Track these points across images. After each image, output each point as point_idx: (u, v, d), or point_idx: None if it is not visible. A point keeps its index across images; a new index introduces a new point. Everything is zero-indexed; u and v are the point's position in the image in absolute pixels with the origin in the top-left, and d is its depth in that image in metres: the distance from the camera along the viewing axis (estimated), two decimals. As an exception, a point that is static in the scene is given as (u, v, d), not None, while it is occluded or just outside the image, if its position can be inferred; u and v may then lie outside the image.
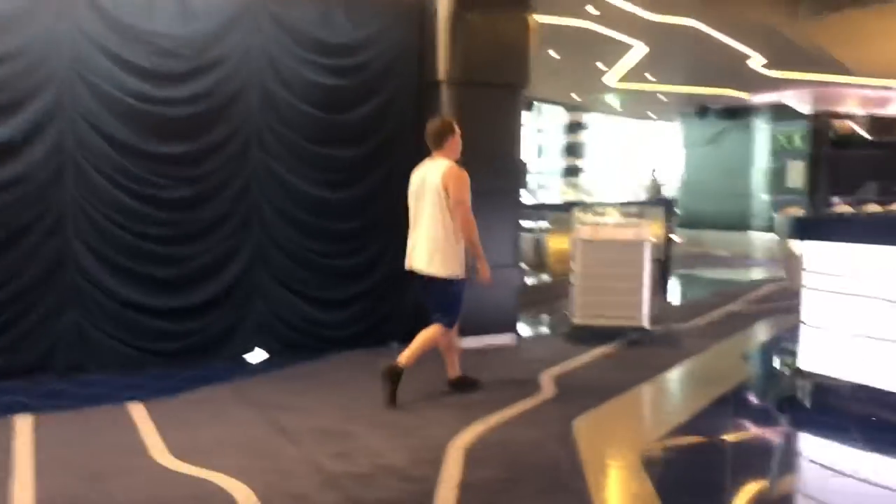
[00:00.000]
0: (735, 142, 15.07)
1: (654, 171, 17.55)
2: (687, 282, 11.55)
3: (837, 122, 13.53)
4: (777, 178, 13.99)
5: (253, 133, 6.05)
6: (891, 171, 14.68)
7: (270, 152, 6.11)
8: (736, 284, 11.44)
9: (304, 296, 6.28)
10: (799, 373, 5.25)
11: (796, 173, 13.58)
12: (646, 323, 6.88)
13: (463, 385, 5.25)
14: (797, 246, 5.87)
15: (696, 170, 15.91)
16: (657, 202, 11.70)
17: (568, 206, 11.88)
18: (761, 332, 7.53)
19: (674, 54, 10.24)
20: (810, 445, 4.63)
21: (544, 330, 8.07)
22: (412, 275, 5.13)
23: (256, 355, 6.20)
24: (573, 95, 15.02)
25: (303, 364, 5.98)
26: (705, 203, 15.29)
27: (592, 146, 33.00)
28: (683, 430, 4.55)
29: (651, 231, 6.98)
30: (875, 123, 13.76)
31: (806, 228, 5.06)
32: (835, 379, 5.01)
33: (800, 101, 13.59)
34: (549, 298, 9.54)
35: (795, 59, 10.19)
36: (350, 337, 6.41)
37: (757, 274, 12.68)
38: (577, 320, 6.90)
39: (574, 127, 30.80)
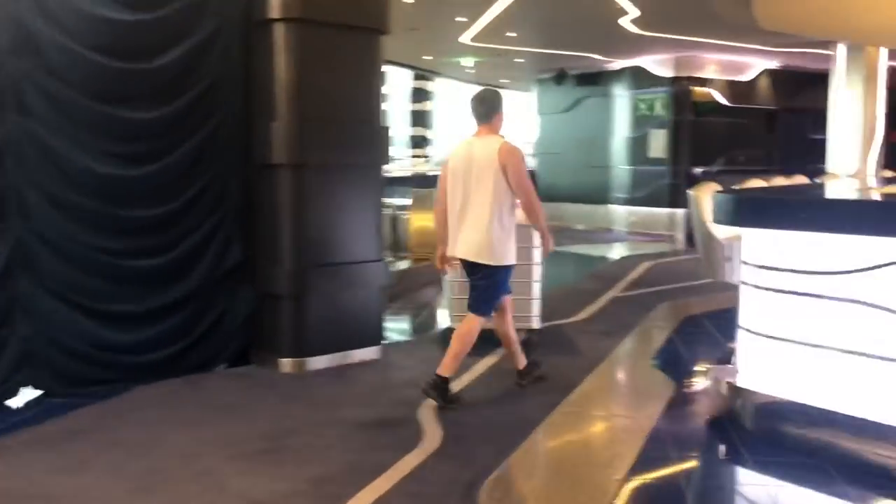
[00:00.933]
0: (594, 110, 14.31)
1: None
2: (555, 261, 10.65)
3: (697, 89, 12.98)
4: (639, 147, 13.31)
5: (6, 87, 4.26)
6: (750, 138, 14.53)
7: (33, 114, 4.35)
8: (606, 262, 10.69)
9: (89, 310, 4.57)
10: (736, 391, 4.22)
11: (658, 143, 12.98)
12: (536, 323, 5.70)
13: (532, 372, 4.73)
14: (720, 230, 4.84)
15: (553, 140, 15.00)
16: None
17: (429, 180, 10.64)
18: (658, 328, 6.57)
19: (542, 5, 9.10)
20: (756, 487, 3.55)
21: (414, 333, 6.72)
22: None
23: (21, 397, 4.46)
24: (425, 57, 13.64)
25: (89, 407, 4.32)
26: (562, 175, 14.48)
27: (441, 115, 32.12)
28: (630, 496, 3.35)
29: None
30: (733, 89, 13.37)
31: (754, 212, 3.98)
32: (785, 399, 4.00)
33: (661, 67, 12.96)
34: (413, 288, 8.22)
35: (673, 15, 9.36)
36: (158, 363, 4.77)
37: (622, 250, 12.07)
38: (454, 322, 5.61)
39: (420, 94, 29.65)
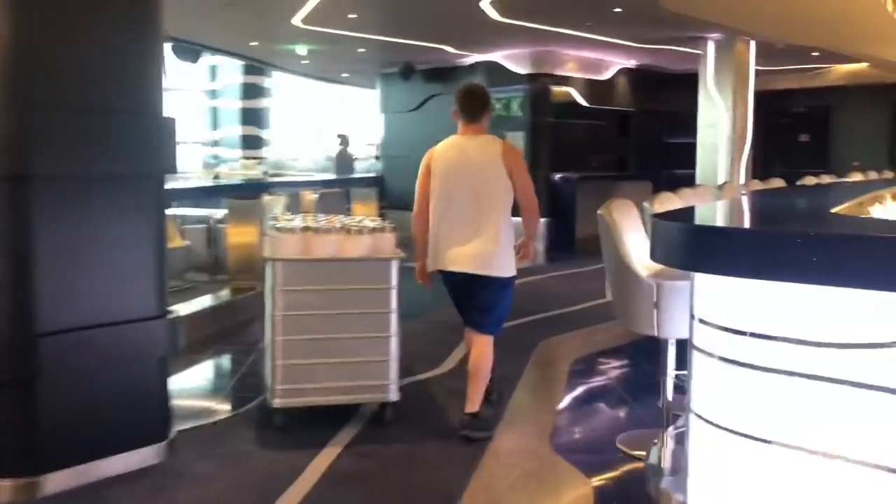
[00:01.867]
0: (445, 109, 12.91)
1: (341, 139, 14.92)
2: (407, 283, 9.27)
3: (555, 88, 11.93)
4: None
5: None
6: (609, 142, 13.73)
7: None
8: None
9: None
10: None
11: (516, 146, 11.77)
12: (393, 393, 4.15)
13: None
14: (642, 264, 3.49)
15: (400, 142, 13.45)
16: (369, 181, 9.11)
17: (256, 188, 8.84)
18: (545, 382, 5.22)
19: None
20: None
21: (221, 411, 4.73)
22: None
23: None
24: (252, 43, 11.76)
25: None
26: (411, 180, 12.94)
27: (278, 114, 29.87)
28: None
29: (392, 240, 4.24)
30: (591, 89, 12.44)
31: (734, 252, 2.60)
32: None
33: (518, 63, 11.80)
34: (230, 329, 6.44)
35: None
36: None
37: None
38: (278, 401, 3.96)
39: (254, 90, 27.35)
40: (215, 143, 28.31)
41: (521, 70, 11.86)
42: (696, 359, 2.71)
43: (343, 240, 4.01)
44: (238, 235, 7.38)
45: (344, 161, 13.14)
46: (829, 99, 14.40)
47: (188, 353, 5.46)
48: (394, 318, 4.05)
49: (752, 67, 10.18)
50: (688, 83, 11.10)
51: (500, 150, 4.00)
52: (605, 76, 12.77)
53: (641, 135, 13.92)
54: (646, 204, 4.18)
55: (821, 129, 14.81)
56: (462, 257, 3.92)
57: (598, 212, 3.80)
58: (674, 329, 3.34)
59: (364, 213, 9.21)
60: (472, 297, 3.99)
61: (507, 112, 12.01)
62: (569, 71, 12.18)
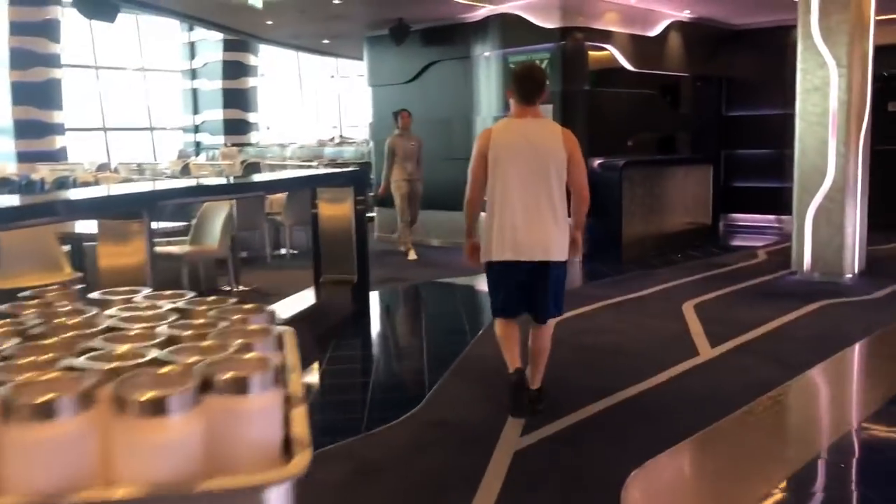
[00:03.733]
0: (449, 80, 10.20)
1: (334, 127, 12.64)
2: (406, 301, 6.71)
3: (591, 48, 9.13)
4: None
5: None
6: (656, 116, 10.96)
7: None
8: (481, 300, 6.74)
9: None
10: None
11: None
12: None
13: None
14: None
15: (392, 122, 10.63)
16: (347, 177, 6.39)
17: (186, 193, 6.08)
18: None
19: None
20: None
21: None
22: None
23: None
24: None
25: None
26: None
27: (267, 95, 26.97)
28: None
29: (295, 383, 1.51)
30: (637, 48, 9.61)
31: None
32: None
33: (542, 14, 8.98)
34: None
35: None
36: None
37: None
38: None
39: (237, 68, 24.47)
40: (196, 129, 25.59)
41: (548, 24, 9.05)
42: None
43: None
44: (109, 256, 4.65)
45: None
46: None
47: None
48: None
49: (873, 12, 7.36)
50: (755, 41, 8.39)
51: (561, 135, 3.96)
52: (653, 32, 9.95)
53: (696, 106, 11.10)
54: None
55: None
56: (530, 245, 3.90)
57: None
58: None
59: (337, 212, 6.52)
60: (537, 286, 3.98)
61: (530, 80, 9.19)
62: (608, 24, 9.36)
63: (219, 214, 7.08)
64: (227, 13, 10.28)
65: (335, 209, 6.62)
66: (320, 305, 6.34)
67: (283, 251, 9.73)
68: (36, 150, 18.92)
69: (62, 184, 12.98)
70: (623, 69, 9.61)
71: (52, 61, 19.27)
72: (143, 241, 4.30)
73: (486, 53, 9.71)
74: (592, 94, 9.22)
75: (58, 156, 19.26)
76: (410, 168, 9.17)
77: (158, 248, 6.96)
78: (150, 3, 9.74)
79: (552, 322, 4.10)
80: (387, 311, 7.39)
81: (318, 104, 28.81)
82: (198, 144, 24.44)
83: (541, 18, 9.03)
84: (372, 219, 11.66)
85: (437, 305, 7.44)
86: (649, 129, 10.15)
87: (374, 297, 7.25)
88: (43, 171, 15.96)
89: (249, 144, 23.16)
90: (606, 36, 9.31)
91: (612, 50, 9.43)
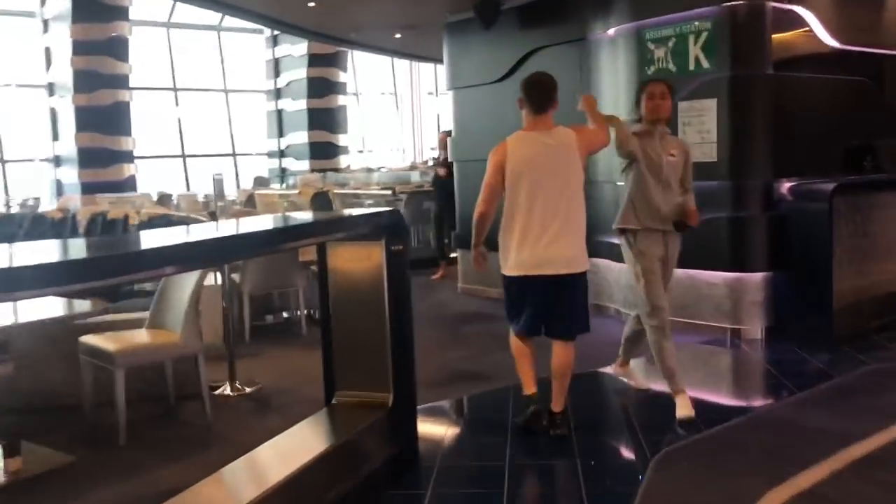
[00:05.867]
0: (560, 73, 7.17)
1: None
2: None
3: (776, 14, 5.98)
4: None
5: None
6: (869, 117, 7.60)
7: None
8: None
9: None
10: None
11: (703, 127, 5.93)
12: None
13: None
14: None
15: (482, 136, 7.60)
16: (369, 225, 3.52)
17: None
18: None
19: None
20: None
21: None
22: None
23: None
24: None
25: None
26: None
27: (358, 114, 24.59)
28: None
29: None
30: (843, 15, 6.35)
31: None
32: None
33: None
34: None
35: None
36: None
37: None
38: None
39: (322, 86, 22.19)
40: (282, 154, 23.54)
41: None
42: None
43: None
44: None
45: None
46: None
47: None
48: None
49: None
50: None
51: (574, 138, 3.99)
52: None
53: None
54: None
55: None
56: (552, 259, 3.91)
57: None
58: None
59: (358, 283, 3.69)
60: (560, 298, 3.97)
61: (681, 62, 6.15)
62: (798, -23, 6.21)
63: (182, 284, 4.41)
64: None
65: (355, 277, 3.82)
66: (330, 454, 3.51)
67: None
68: (101, 181, 17.15)
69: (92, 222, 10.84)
70: (823, 45, 6.39)
71: (120, 82, 17.53)
72: None
73: (611, 31, 6.72)
74: (778, 82, 6.04)
75: (125, 186, 17.47)
76: None
77: (84, 340, 4.38)
78: None
79: (570, 344, 4.03)
80: (454, 459, 4.32)
81: (418, 124, 26.50)
82: (283, 170, 22.43)
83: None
84: (453, 261, 8.83)
85: (589, 446, 4.27)
86: (856, 133, 6.81)
87: (431, 428, 4.37)
88: (100, 205, 14.15)
89: (336, 170, 20.87)
90: (796, -5, 6.14)
91: (805, 15, 6.24)
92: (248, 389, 5.08)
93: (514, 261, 3.96)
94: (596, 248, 5.89)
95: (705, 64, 5.96)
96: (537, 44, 7.47)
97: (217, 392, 5.02)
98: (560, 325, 4.03)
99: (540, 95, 3.99)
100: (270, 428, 3.87)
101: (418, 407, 4.24)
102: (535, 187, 3.89)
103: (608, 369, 5.14)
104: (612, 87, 6.69)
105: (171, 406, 4.74)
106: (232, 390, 5.05)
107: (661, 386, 4.56)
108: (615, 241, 4.94)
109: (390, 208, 4.84)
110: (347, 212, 4.93)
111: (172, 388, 4.73)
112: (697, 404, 4.33)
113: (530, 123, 4.02)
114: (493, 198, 4.00)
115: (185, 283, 4.38)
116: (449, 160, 8.51)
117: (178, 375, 4.73)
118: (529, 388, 4.08)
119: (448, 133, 8.39)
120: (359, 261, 3.84)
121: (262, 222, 3.86)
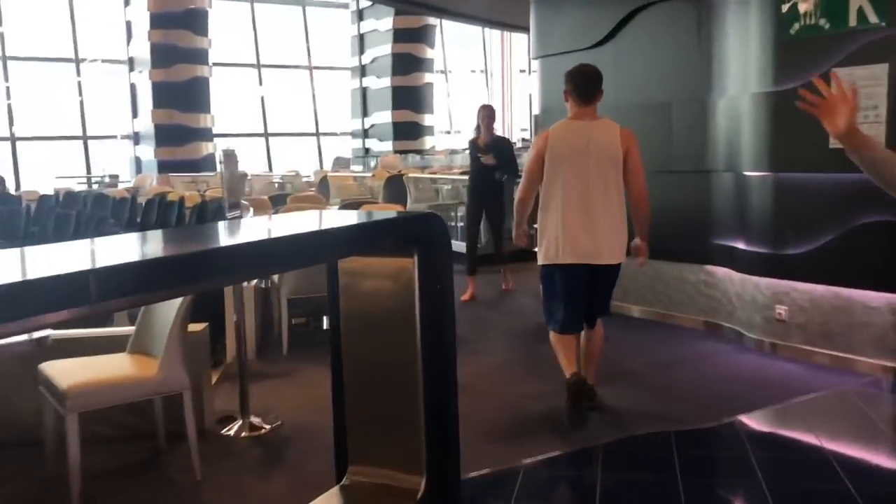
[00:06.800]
0: (670, 38, 5.89)
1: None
2: None
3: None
4: (794, 124, 4.82)
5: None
6: None
7: None
8: None
9: None
10: None
11: (867, 100, 4.49)
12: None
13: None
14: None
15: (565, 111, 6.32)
16: (394, 233, 2.34)
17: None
18: None
19: None
20: None
21: None
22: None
23: None
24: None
25: None
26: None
27: (444, 92, 23.34)
28: None
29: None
30: None
31: None
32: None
33: None
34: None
35: None
36: None
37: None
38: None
39: (408, 62, 21.11)
40: (365, 134, 22.61)
41: None
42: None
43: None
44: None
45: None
46: None
47: None
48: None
49: None
50: None
51: (618, 134, 3.96)
52: None
53: None
54: None
55: None
56: (592, 248, 3.92)
57: None
58: None
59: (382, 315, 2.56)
60: (597, 287, 4.02)
61: (837, 17, 4.71)
62: None
63: (165, 304, 3.37)
64: None
65: (376, 306, 2.69)
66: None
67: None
68: (178, 160, 16.63)
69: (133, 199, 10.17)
70: None
71: (198, 57, 16.92)
72: None
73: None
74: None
75: (202, 164, 16.90)
76: None
77: (44, 368, 3.42)
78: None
79: (600, 322, 4.15)
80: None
81: (509, 104, 25.13)
82: (366, 151, 21.51)
83: None
84: (515, 258, 7.54)
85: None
86: None
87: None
88: (174, 186, 13.59)
89: (419, 151, 19.81)
90: None
91: None
92: (264, 427, 4.03)
93: (554, 250, 3.97)
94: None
95: (872, 18, 4.50)
96: (640, 1, 6.11)
97: (224, 431, 4.00)
98: (595, 309, 4.11)
99: (588, 86, 4.01)
100: (268, 497, 2.80)
101: (468, 475, 3.12)
102: (574, 175, 3.93)
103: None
104: (740, 55, 5.28)
105: (161, 448, 3.74)
106: (243, 428, 4.01)
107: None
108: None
109: (428, 212, 3.70)
110: (363, 214, 3.75)
111: (162, 426, 3.73)
112: (848, 467, 3.02)
113: (575, 113, 4.03)
114: (531, 185, 4.08)
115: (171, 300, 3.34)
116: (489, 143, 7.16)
117: (174, 407, 3.72)
118: (570, 370, 4.04)
119: (489, 108, 7.07)
120: (381, 281, 2.70)
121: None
